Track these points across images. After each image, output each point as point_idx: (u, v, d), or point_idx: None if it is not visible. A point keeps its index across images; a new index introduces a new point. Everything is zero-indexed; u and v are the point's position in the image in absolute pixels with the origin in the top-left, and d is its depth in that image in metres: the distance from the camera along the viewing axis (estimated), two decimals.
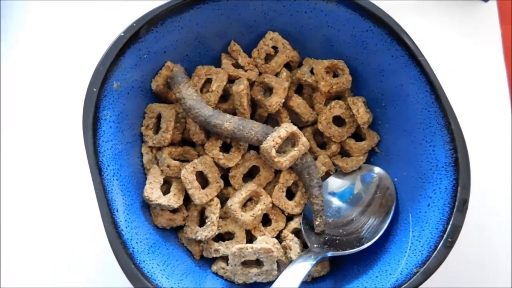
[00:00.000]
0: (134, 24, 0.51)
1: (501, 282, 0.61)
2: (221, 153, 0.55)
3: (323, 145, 0.59)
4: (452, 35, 0.71)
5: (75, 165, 0.62)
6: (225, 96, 0.58)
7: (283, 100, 0.56)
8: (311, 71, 0.58)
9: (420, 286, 0.56)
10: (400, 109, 0.55)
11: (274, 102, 0.55)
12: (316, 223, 0.54)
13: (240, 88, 0.54)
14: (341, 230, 0.54)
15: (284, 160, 0.53)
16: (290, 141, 0.54)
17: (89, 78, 0.49)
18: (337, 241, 0.53)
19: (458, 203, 0.48)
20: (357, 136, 0.59)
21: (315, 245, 0.53)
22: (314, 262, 0.50)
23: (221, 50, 0.59)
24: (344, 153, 0.59)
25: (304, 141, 0.53)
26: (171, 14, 0.52)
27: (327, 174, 0.58)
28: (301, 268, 0.49)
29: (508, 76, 0.69)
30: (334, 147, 0.58)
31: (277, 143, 0.52)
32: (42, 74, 0.67)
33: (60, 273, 0.60)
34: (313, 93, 0.59)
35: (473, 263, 0.61)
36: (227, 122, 0.53)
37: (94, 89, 0.49)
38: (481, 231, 0.63)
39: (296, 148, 0.53)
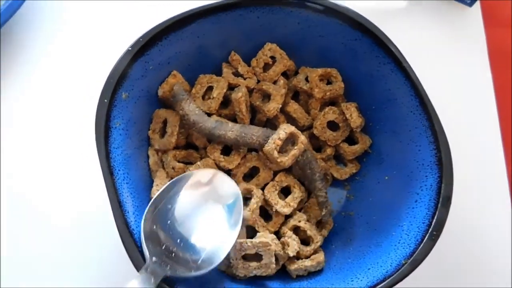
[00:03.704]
0: (141, 39, 0.54)
1: (501, 282, 0.63)
2: (221, 156, 0.58)
3: (318, 149, 0.62)
4: (437, 39, 0.73)
5: (85, 169, 0.63)
6: (226, 102, 0.61)
7: (280, 106, 0.59)
8: (306, 79, 0.61)
9: (422, 286, 0.59)
10: (389, 111, 0.58)
11: (272, 107, 0.58)
12: (322, 213, 0.57)
13: (239, 95, 0.58)
14: (178, 240, 0.51)
15: (286, 160, 0.56)
16: (290, 140, 0.57)
17: (99, 89, 0.52)
18: (173, 255, 0.50)
19: (442, 199, 0.51)
20: (351, 140, 0.62)
21: (154, 258, 0.48)
22: (155, 286, 0.46)
23: (222, 59, 0.61)
24: (339, 156, 0.62)
25: (303, 140, 0.56)
26: (175, 29, 0.55)
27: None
28: None
29: (493, 79, 0.71)
30: (329, 151, 0.61)
31: (278, 145, 0.55)
32: (54, 85, 0.69)
33: (60, 273, 0.61)
34: (308, 100, 0.62)
35: (473, 263, 0.63)
36: (230, 132, 0.56)
37: (105, 100, 0.52)
38: (481, 231, 0.64)
39: (296, 147, 0.56)
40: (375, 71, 0.58)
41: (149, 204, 0.51)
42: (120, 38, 0.58)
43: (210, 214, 0.54)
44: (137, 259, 0.48)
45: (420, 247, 0.50)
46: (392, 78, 0.56)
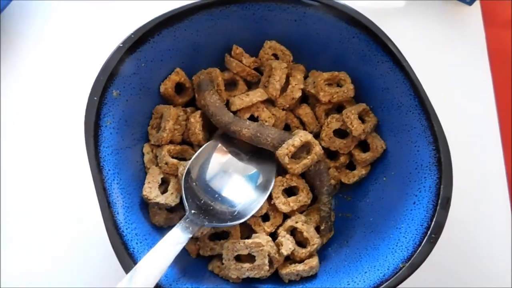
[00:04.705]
0: (132, 36, 0.53)
1: (501, 282, 0.62)
2: None
3: (331, 154, 0.61)
4: (436, 38, 0.72)
5: (76, 168, 0.63)
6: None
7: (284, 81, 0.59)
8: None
9: (421, 286, 0.58)
10: (387, 111, 0.57)
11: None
12: (321, 227, 0.57)
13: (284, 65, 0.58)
14: (216, 195, 0.55)
15: (297, 167, 0.55)
16: (305, 147, 0.56)
17: (90, 87, 0.51)
18: (211, 208, 0.54)
19: (441, 201, 0.50)
20: (366, 143, 0.59)
21: (193, 211, 0.52)
22: (191, 235, 0.50)
23: (216, 56, 0.60)
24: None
25: (317, 151, 0.55)
26: (167, 25, 0.54)
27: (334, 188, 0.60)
28: (177, 241, 0.49)
29: (493, 78, 0.71)
30: (342, 159, 0.60)
31: (290, 151, 0.54)
32: (44, 82, 0.68)
33: (60, 274, 0.61)
34: (317, 103, 0.61)
35: (473, 263, 0.63)
36: (245, 129, 0.56)
37: (95, 98, 0.50)
38: (480, 232, 0.64)
39: (309, 157, 0.55)
40: (373, 69, 0.57)
41: (189, 163, 0.55)
42: (112, 34, 0.57)
43: (244, 171, 0.58)
44: (127, 262, 0.47)
45: (418, 250, 0.49)
46: (390, 76, 0.55)
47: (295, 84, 0.59)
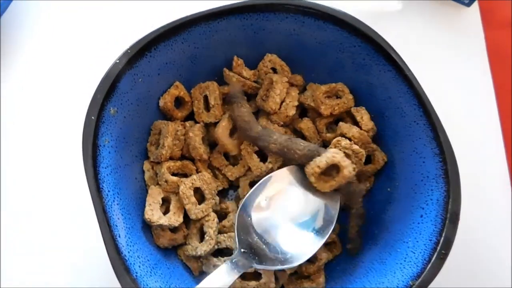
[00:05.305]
0: (129, 51, 0.51)
1: (501, 282, 0.62)
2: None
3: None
4: (434, 40, 0.72)
5: (76, 168, 0.60)
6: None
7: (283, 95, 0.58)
8: None
9: None
10: (390, 120, 0.56)
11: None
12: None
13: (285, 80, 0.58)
14: (269, 241, 0.52)
15: (324, 186, 0.53)
16: (336, 167, 0.53)
17: (86, 105, 0.49)
18: (262, 248, 0.52)
19: (450, 215, 0.48)
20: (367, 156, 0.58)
21: (242, 250, 0.51)
22: (238, 275, 0.49)
23: (214, 68, 0.59)
24: None
25: (344, 175, 0.52)
26: (164, 38, 0.53)
27: None
28: (222, 282, 0.48)
29: (493, 81, 0.70)
30: None
31: (316, 172, 0.52)
32: (41, 101, 0.68)
33: (60, 274, 0.60)
34: (317, 116, 0.60)
35: (472, 263, 0.62)
36: (273, 144, 0.54)
37: (92, 117, 0.49)
38: (481, 231, 0.63)
39: (336, 179, 0.53)
40: (375, 79, 0.56)
41: (243, 201, 0.53)
42: (107, 49, 0.56)
43: (303, 213, 0.54)
44: (128, 285, 0.46)
45: (428, 267, 0.47)
46: (393, 86, 0.54)
47: (289, 102, 0.58)
